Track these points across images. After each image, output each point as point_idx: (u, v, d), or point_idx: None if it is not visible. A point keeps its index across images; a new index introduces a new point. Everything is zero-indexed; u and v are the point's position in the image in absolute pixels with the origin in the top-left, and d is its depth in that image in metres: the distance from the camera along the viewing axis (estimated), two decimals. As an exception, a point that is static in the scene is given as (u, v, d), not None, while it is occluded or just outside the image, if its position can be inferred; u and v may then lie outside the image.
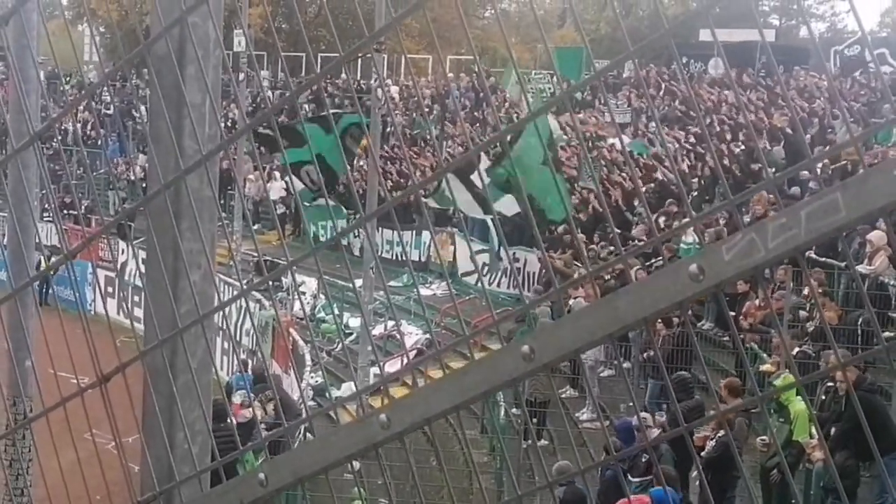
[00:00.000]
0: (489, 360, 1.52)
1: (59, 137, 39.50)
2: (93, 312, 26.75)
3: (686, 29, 36.32)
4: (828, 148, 21.78)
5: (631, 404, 16.71)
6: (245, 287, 1.89)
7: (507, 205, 19.45)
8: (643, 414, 14.17)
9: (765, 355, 15.88)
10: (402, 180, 30.36)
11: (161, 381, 2.00)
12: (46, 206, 36.21)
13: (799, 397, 12.63)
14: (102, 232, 2.24)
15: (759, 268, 1.33)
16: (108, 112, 42.21)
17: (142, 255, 2.27)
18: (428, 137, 35.95)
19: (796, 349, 14.96)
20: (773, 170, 19.27)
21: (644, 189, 23.54)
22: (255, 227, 33.79)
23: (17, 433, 3.74)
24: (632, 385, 17.72)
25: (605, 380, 18.64)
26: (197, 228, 1.95)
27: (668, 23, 1.55)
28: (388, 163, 32.96)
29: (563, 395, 18.55)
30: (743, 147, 24.34)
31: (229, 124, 39.16)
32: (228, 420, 14.06)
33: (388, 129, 37.26)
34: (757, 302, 16.90)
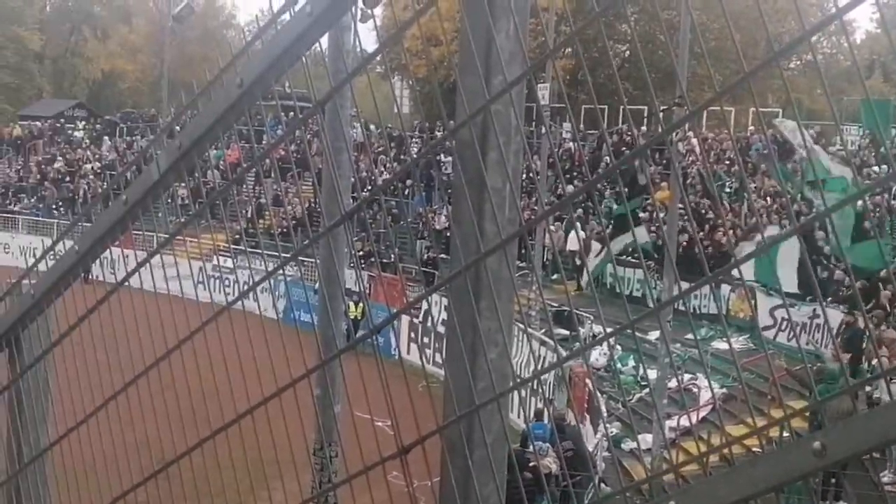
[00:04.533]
0: (779, 454, 1.48)
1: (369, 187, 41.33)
2: (396, 357, 27.86)
3: None
4: None
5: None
6: (562, 356, 1.91)
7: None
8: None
9: None
10: (700, 233, 29.87)
11: (457, 456, 2.05)
12: (356, 252, 38.07)
13: None
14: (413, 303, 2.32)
15: None
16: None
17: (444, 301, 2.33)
18: (729, 190, 35.21)
19: None
20: None
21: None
22: (554, 276, 34.12)
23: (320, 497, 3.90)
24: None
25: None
26: (495, 308, 1.99)
27: None
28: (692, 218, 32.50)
29: (865, 456, 17.54)
30: None
31: (532, 174, 39.83)
32: (525, 473, 14.17)
33: (689, 181, 36.81)
34: None
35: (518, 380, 2.05)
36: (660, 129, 1.89)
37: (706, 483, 1.61)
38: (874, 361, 17.25)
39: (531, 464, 15.12)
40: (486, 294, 2.00)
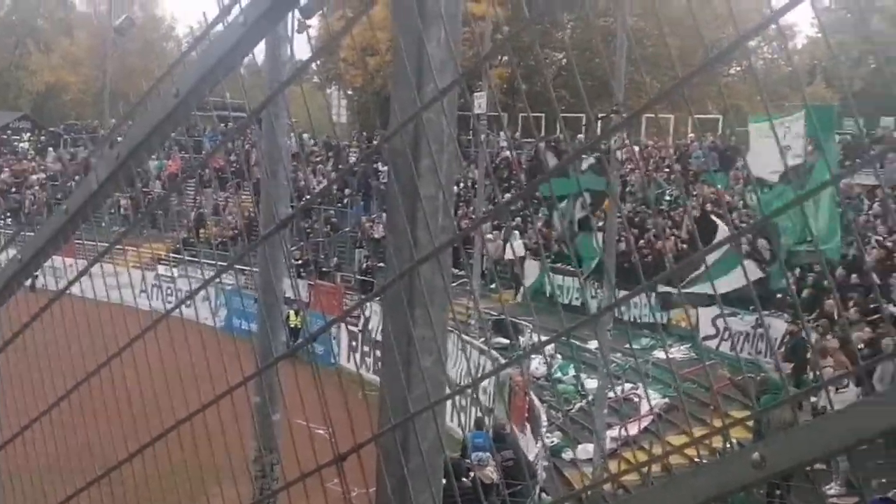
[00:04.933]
0: (719, 465, 1.49)
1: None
2: (337, 366, 27.80)
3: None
4: None
5: (884, 480, 15.81)
6: (518, 355, 1.91)
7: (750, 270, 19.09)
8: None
9: None
10: (640, 242, 30.07)
11: (393, 464, 2.05)
12: (294, 261, 37.94)
13: None
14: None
15: None
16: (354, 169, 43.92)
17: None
18: (669, 197, 35.54)
19: None
20: None
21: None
22: (493, 286, 34.20)
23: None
24: (884, 460, 16.84)
25: (856, 451, 17.63)
26: (429, 316, 2.00)
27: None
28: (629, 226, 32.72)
29: (810, 468, 17.72)
30: None
31: (469, 185, 39.98)
32: (464, 479, 14.18)
33: (627, 189, 37.11)
34: None
35: (454, 388, 2.06)
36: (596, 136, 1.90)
37: (645, 494, 1.62)
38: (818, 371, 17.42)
39: (471, 473, 15.14)
40: (420, 302, 2.00)
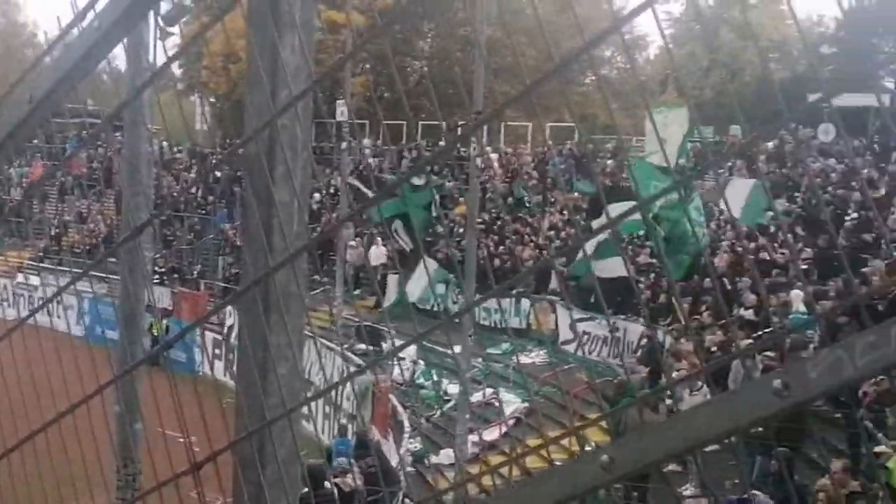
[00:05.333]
0: (568, 469, 1.51)
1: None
2: (200, 374, 27.33)
3: (793, 94, 35.76)
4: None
5: (737, 481, 16.25)
6: (370, 360, 1.91)
7: (613, 268, 19.43)
8: (759, 496, 13.72)
9: (881, 435, 15.31)
10: (500, 248, 30.45)
11: (250, 471, 2.04)
12: (157, 268, 37.35)
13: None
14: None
15: (844, 385, 1.30)
16: (217, 176, 43.43)
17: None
18: (528, 204, 36.02)
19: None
20: None
21: (753, 257, 23.19)
22: (356, 292, 34.16)
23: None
24: (737, 461, 17.33)
25: (709, 454, 18.16)
26: (284, 323, 1.99)
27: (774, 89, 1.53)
28: (488, 232, 33.07)
29: (666, 469, 18.11)
30: (856, 217, 23.80)
31: (331, 191, 39.86)
32: (326, 485, 14.08)
33: (488, 195, 37.49)
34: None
35: (309, 394, 2.05)
36: (455, 144, 1.92)
37: (498, 496, 1.64)
38: (674, 374, 17.82)
39: (335, 479, 15.10)
40: (276, 309, 1.99)
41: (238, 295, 2.00)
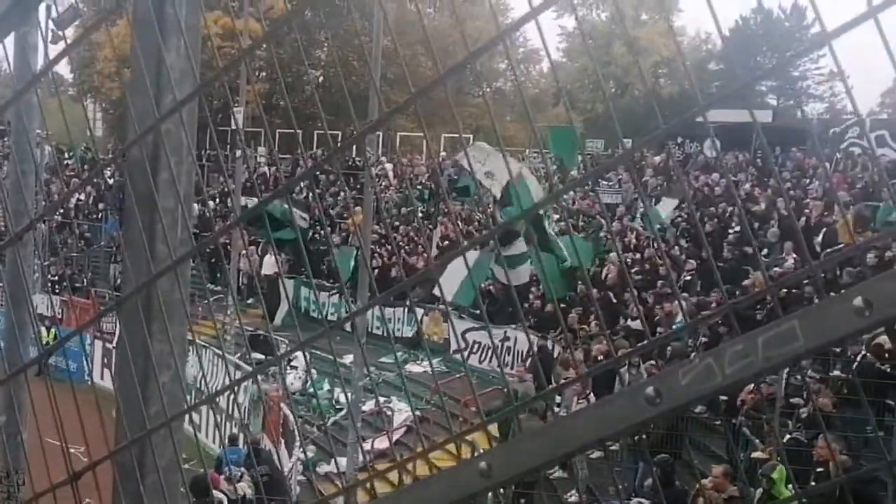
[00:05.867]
0: (447, 476, 1.52)
1: (62, 211, 39.77)
2: (89, 383, 26.73)
3: (682, 109, 36.52)
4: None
5: (621, 486, 16.52)
6: (241, 363, 1.88)
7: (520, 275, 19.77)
8: (635, 499, 13.97)
9: (757, 441, 15.72)
10: (391, 259, 30.47)
11: (129, 481, 2.00)
12: (49, 277, 36.50)
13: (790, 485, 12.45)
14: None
15: (715, 393, 1.34)
16: (109, 183, 42.68)
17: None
18: (421, 214, 36.11)
19: (787, 436, 14.84)
20: (765, 251, 19.30)
21: (637, 269, 23.64)
22: (249, 301, 33.82)
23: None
24: (621, 468, 17.62)
25: (595, 461, 18.43)
26: (167, 331, 1.96)
27: (663, 104, 1.57)
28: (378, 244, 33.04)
29: (553, 476, 18.33)
30: (738, 230, 24.46)
31: (225, 200, 39.42)
32: (211, 495, 13.90)
33: (384, 206, 37.48)
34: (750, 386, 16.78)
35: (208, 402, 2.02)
36: (354, 155, 1.92)
37: (378, 503, 1.64)
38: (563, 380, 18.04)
39: (227, 488, 14.94)
40: (158, 316, 1.97)
41: (119, 302, 1.97)
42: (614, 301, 23.16)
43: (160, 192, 1.94)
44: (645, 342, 1.50)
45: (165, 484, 2.02)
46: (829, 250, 20.16)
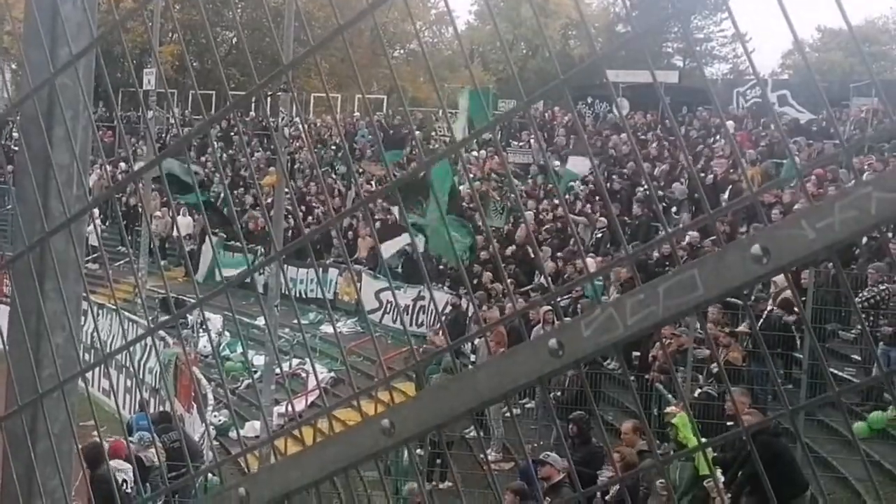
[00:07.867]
0: (349, 435, 1.49)
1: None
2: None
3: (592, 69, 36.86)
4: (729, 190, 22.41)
5: (537, 444, 16.64)
6: (151, 326, 1.82)
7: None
8: (553, 455, 13.99)
9: (670, 396, 15.93)
10: (310, 218, 30.24)
11: (20, 448, 1.93)
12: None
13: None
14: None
15: (617, 344, 1.33)
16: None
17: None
18: (334, 175, 35.90)
19: (698, 391, 15.08)
20: (674, 208, 19.69)
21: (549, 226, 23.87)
22: (163, 263, 33.33)
23: None
24: (539, 425, 17.78)
25: (510, 420, 18.51)
26: (60, 290, 1.90)
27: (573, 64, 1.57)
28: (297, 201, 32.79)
29: (469, 436, 18.41)
30: (646, 188, 24.81)
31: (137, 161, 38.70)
32: (104, 466, 13.70)
33: (297, 167, 37.19)
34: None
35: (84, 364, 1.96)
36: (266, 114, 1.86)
37: (276, 467, 1.60)
38: (476, 342, 18.12)
39: (134, 455, 14.75)
40: (51, 275, 1.90)
41: (11, 261, 1.90)
42: (532, 257, 23.30)
43: (55, 148, 1.88)
44: (547, 293, 1.49)
45: (58, 451, 1.96)
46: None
